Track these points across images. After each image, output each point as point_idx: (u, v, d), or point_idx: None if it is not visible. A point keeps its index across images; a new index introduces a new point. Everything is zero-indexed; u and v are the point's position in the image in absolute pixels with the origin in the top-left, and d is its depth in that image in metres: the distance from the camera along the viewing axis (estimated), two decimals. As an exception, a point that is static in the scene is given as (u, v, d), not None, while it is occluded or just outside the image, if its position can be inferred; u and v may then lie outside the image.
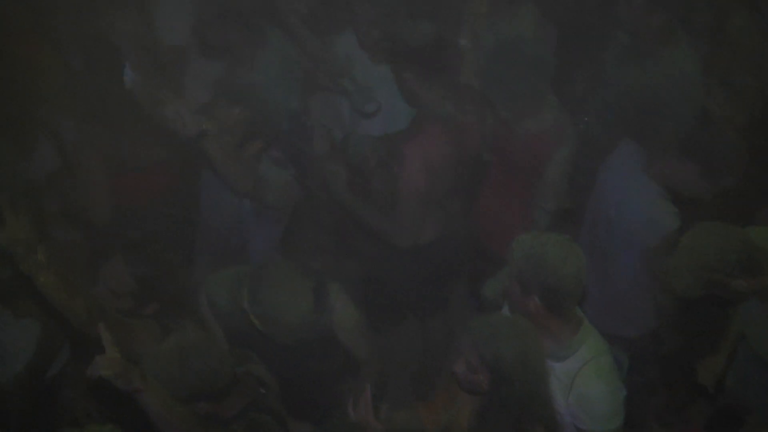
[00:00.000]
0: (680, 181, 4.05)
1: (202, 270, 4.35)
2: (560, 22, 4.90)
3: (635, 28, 4.61)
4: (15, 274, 3.82)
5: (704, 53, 4.70)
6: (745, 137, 4.13)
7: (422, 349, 4.87)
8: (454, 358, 3.41)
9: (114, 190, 4.64)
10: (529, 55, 4.14)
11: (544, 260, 3.42)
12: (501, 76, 4.13)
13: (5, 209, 3.36)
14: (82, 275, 3.84)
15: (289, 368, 3.85)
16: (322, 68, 4.70)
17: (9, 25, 5.00)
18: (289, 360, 3.84)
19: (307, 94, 4.81)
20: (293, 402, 3.84)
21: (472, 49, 4.85)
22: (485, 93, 4.23)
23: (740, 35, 4.84)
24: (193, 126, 3.97)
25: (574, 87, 4.82)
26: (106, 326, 3.37)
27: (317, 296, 3.70)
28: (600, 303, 4.22)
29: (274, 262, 3.94)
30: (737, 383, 4.18)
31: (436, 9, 4.44)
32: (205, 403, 3.50)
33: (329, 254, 4.94)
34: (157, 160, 4.64)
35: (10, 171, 4.12)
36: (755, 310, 3.94)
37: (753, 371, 4.08)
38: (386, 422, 3.49)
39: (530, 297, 3.46)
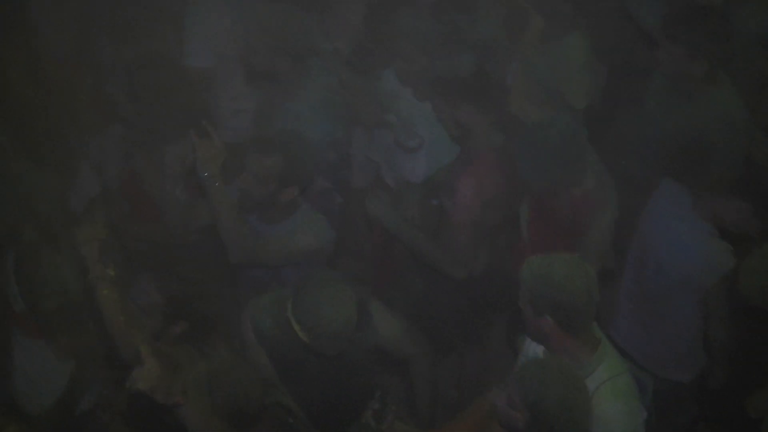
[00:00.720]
0: (731, 219, 4.04)
1: (246, 294, 4.31)
2: (604, 58, 4.92)
3: (677, 73, 4.61)
4: (59, 308, 3.87)
5: (747, 96, 4.71)
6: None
7: (457, 382, 4.85)
8: (498, 391, 3.41)
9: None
10: (560, 135, 4.07)
11: (551, 278, 3.46)
12: (534, 160, 4.07)
13: (85, 210, 3.42)
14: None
15: (329, 387, 3.84)
16: (365, 103, 4.72)
17: (50, 52, 5.06)
18: (329, 378, 3.83)
19: (350, 124, 4.82)
20: (326, 424, 3.83)
21: (521, 80, 4.92)
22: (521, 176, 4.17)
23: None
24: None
25: (615, 125, 4.85)
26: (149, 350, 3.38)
27: (360, 309, 3.70)
28: (650, 348, 4.22)
29: (319, 272, 3.93)
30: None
31: (482, 41, 4.45)
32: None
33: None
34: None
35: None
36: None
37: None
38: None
39: (543, 317, 3.48)
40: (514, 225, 4.48)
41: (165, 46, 4.81)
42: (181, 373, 3.48)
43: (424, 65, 4.49)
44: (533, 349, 3.71)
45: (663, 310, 4.24)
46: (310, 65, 4.51)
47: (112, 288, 3.47)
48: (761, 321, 4.00)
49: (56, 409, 3.98)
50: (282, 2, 4.51)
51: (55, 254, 3.95)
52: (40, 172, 4.09)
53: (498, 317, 4.65)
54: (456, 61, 4.27)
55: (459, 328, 4.61)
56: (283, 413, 3.73)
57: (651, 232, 4.26)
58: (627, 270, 4.37)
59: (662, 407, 3.97)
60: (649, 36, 4.71)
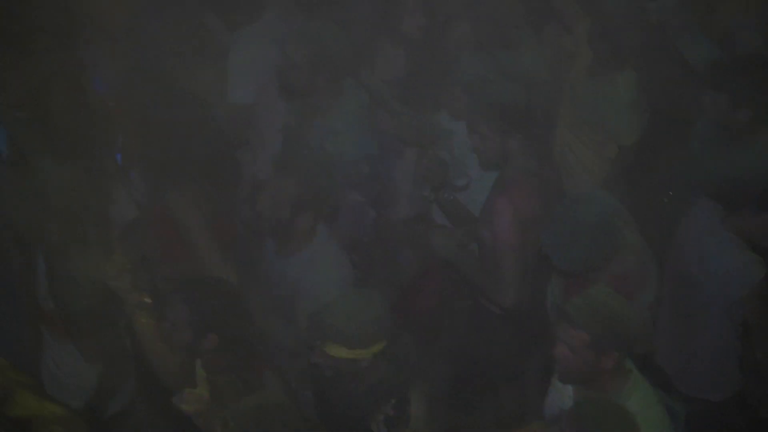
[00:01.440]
0: (760, 232, 4.03)
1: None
2: (651, 98, 4.93)
3: (722, 121, 4.59)
4: (87, 310, 3.85)
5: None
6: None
7: (496, 420, 4.73)
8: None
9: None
10: (598, 214, 3.94)
11: (614, 313, 3.43)
12: (565, 241, 3.93)
13: (116, 241, 3.42)
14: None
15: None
16: (418, 137, 4.73)
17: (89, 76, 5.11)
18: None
19: (397, 155, 4.85)
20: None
21: (567, 114, 4.92)
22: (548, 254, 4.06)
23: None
24: None
25: (658, 166, 4.83)
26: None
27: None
28: (685, 365, 4.21)
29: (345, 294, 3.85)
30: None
31: (530, 73, 4.46)
32: None
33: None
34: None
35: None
36: None
37: None
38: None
39: (607, 355, 3.43)
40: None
41: (207, 85, 4.82)
42: (226, 404, 3.49)
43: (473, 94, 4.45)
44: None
45: (697, 327, 4.22)
46: (342, 83, 4.51)
47: (149, 315, 3.42)
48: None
49: (86, 411, 3.95)
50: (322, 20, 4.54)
51: (84, 256, 3.94)
52: (65, 169, 4.12)
53: (539, 352, 4.56)
54: (510, 90, 4.23)
55: (501, 364, 4.54)
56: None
57: (684, 249, 4.26)
58: (665, 291, 4.33)
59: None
60: (697, 78, 4.73)
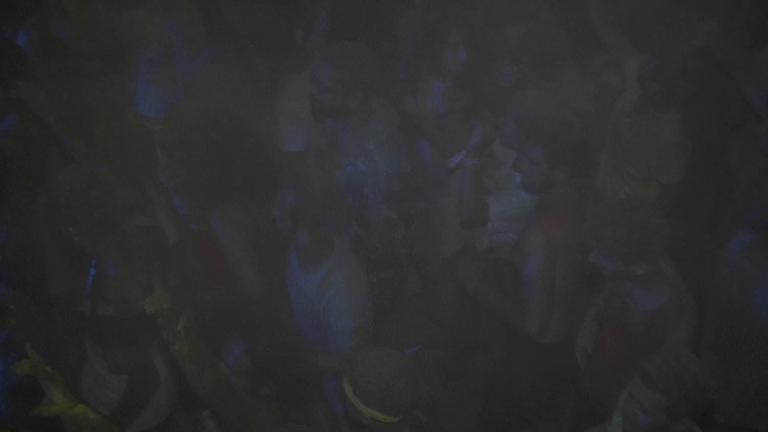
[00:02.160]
0: None
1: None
2: (697, 137, 4.86)
3: None
4: (115, 319, 3.97)
5: None
6: None
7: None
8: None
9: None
10: (641, 225, 3.85)
11: (696, 380, 3.37)
12: (607, 235, 3.87)
13: (156, 278, 3.45)
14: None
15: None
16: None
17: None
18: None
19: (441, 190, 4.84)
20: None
21: (610, 152, 4.86)
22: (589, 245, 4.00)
23: None
24: None
25: (702, 203, 4.76)
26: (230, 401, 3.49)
27: None
28: (728, 397, 4.15)
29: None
30: None
31: (573, 105, 4.41)
32: None
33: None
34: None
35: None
36: None
37: None
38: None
39: (680, 421, 3.38)
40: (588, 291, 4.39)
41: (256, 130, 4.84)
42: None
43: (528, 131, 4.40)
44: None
45: (741, 357, 4.18)
46: (373, 103, 4.52)
47: (184, 343, 3.47)
48: None
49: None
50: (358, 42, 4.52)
51: (124, 264, 4.01)
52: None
53: (575, 386, 4.51)
54: (570, 124, 4.18)
55: (535, 400, 4.50)
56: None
57: (725, 279, 4.21)
58: (706, 320, 4.30)
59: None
60: (755, 114, 4.70)
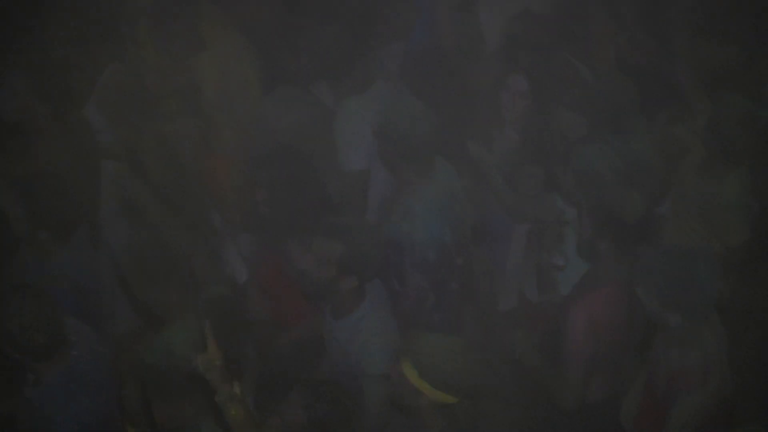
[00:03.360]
0: None
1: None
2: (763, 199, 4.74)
3: None
4: (156, 366, 3.86)
5: None
6: None
7: None
8: None
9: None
10: (699, 274, 3.76)
11: None
12: (655, 267, 3.80)
13: (208, 335, 3.45)
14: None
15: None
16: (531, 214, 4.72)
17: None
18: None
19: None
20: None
21: (674, 212, 4.75)
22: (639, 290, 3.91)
23: None
24: None
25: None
26: None
27: None
28: None
29: None
30: None
31: (643, 175, 4.34)
32: None
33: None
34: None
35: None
36: None
37: None
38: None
39: None
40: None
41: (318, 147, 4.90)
42: None
43: (593, 200, 4.29)
44: None
45: None
46: (434, 168, 4.51)
47: (239, 406, 3.48)
48: None
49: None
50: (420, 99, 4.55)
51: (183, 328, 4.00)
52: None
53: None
54: (628, 200, 4.08)
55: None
56: None
57: None
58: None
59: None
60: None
